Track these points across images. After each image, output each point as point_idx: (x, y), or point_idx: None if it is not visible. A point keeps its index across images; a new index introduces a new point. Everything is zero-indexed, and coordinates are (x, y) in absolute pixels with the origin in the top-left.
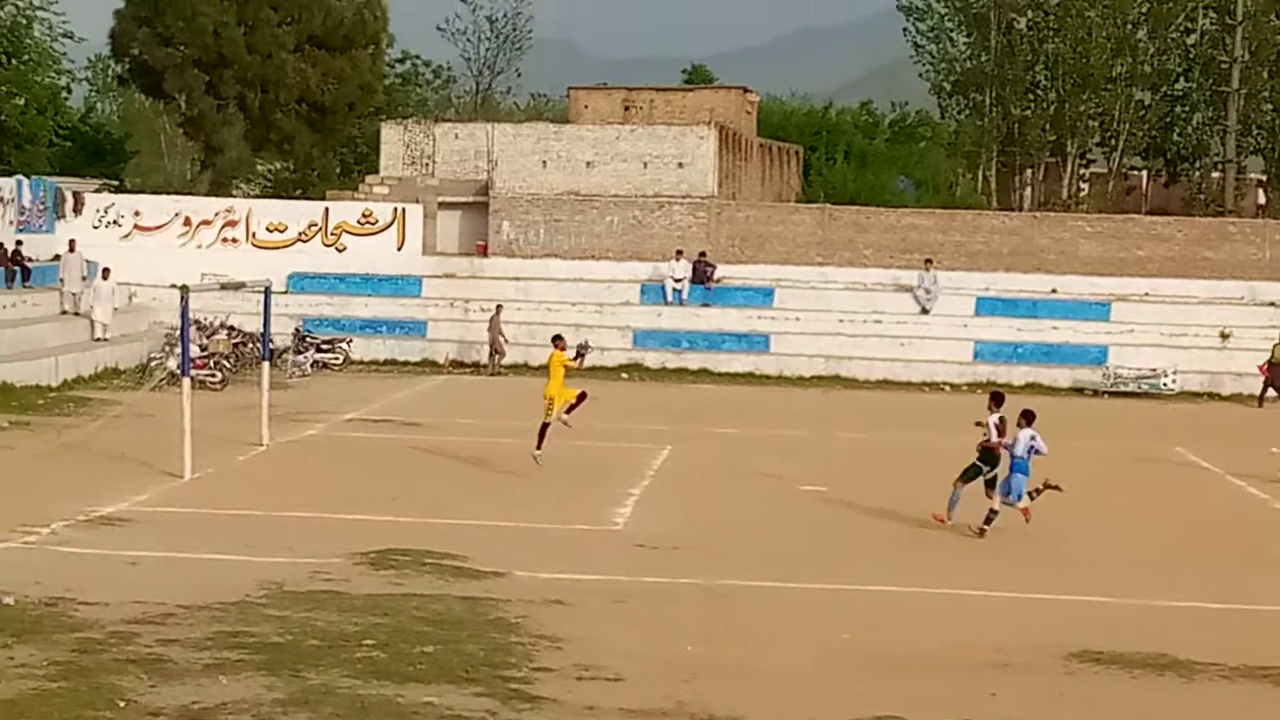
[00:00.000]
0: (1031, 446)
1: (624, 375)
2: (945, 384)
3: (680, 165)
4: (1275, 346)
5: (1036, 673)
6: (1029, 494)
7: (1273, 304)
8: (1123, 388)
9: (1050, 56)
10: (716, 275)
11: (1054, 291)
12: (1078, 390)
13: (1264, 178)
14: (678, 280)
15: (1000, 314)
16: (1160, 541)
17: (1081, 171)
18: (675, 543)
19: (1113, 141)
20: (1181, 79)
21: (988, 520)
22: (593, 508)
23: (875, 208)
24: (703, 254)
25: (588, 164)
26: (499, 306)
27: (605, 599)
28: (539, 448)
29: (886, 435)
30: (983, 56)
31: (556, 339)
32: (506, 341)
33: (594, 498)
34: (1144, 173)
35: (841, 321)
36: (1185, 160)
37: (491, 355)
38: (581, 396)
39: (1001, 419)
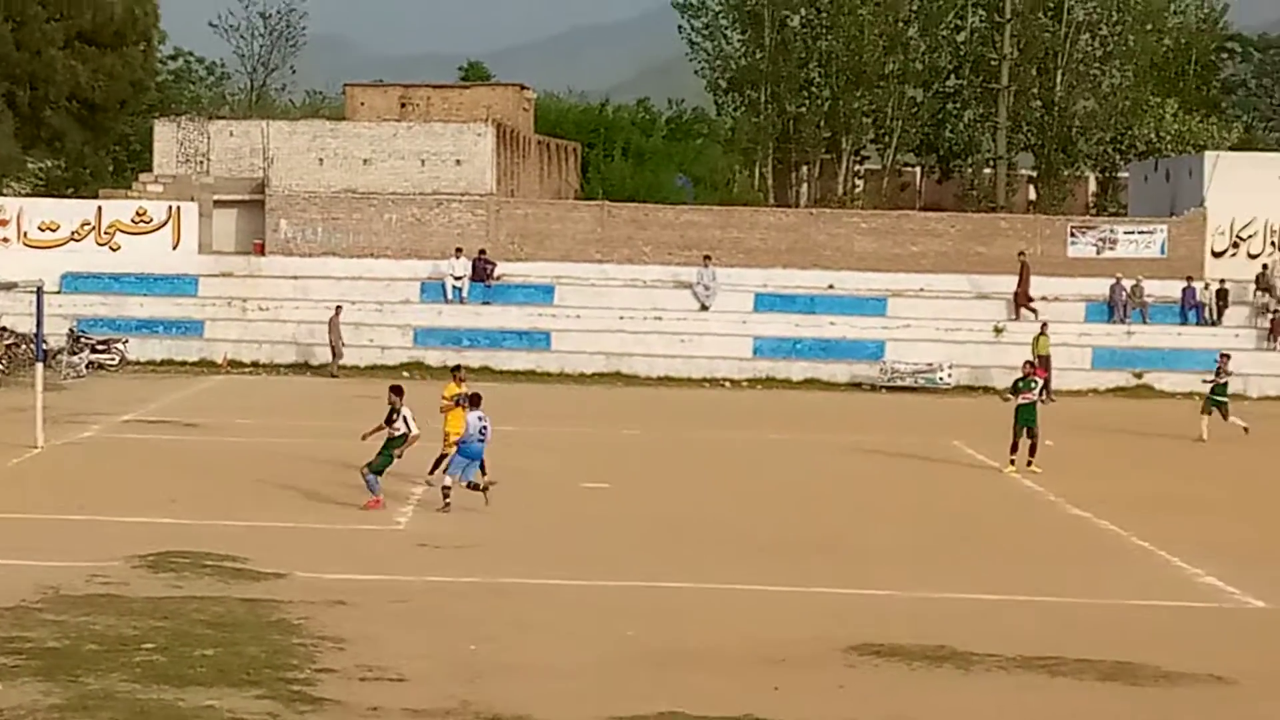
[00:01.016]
0: (483, 428)
1: (405, 374)
2: (725, 380)
3: (458, 162)
4: (1036, 340)
5: (817, 666)
6: (474, 485)
7: (1044, 298)
8: (899, 382)
9: (824, 54)
10: (496, 273)
11: (831, 287)
12: (855, 385)
13: (1034, 174)
14: (458, 278)
15: (779, 310)
16: (937, 535)
17: (856, 168)
18: (458, 541)
19: (886, 138)
20: (952, 76)
21: (445, 495)
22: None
23: (653, 205)
24: (482, 251)
25: (365, 161)
26: (338, 308)
27: (388, 599)
28: (431, 473)
29: (667, 432)
30: (757, 54)
31: (456, 369)
32: (343, 343)
33: None
34: (918, 169)
35: (622, 319)
36: (957, 157)
37: (334, 357)
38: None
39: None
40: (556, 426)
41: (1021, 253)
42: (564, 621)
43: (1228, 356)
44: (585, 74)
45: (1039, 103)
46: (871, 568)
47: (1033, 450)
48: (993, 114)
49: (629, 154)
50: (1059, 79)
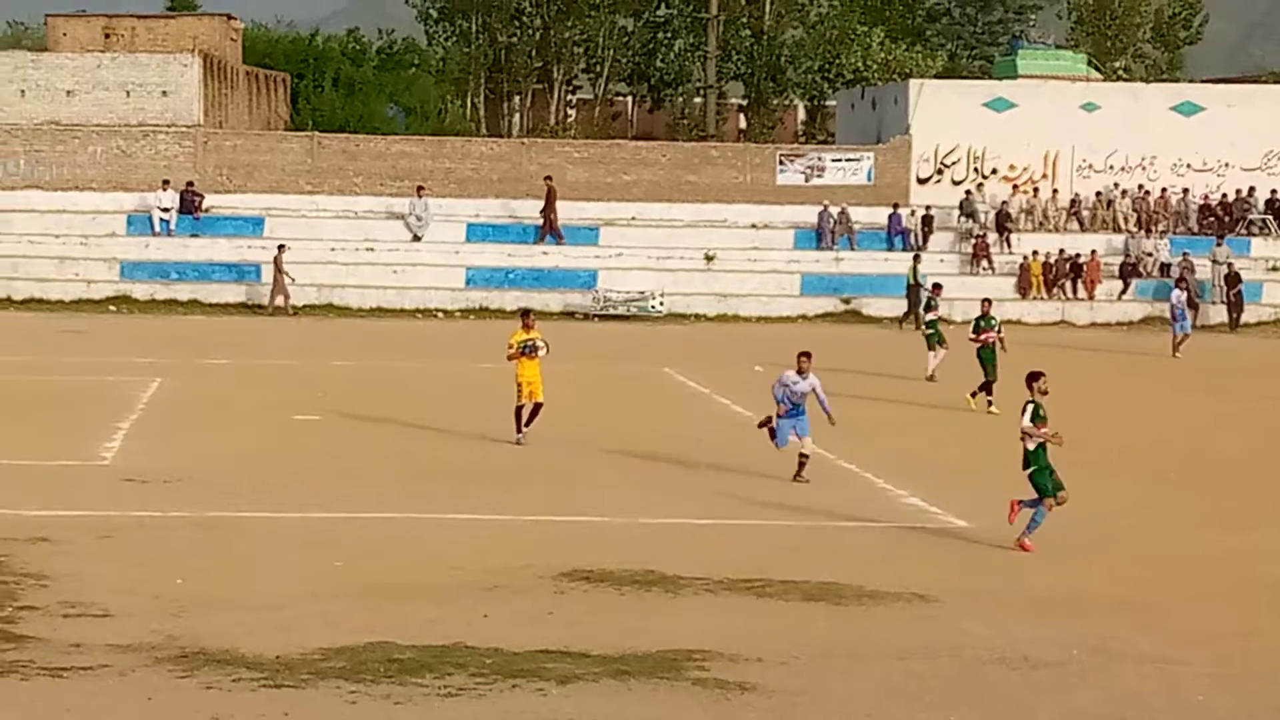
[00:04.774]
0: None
1: (112, 308)
2: (439, 310)
3: (164, 94)
4: (913, 269)
5: (527, 593)
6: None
7: (754, 226)
8: (612, 311)
9: None
10: (205, 205)
11: None
12: (569, 314)
13: (744, 103)
14: (165, 210)
15: (491, 240)
16: (649, 461)
17: (569, 98)
18: (165, 476)
19: (598, 68)
20: (663, 5)
21: None
22: (79, 442)
23: (365, 135)
24: (190, 183)
25: (68, 93)
26: (281, 246)
27: (93, 535)
28: (519, 431)
29: (380, 363)
30: None
31: (526, 314)
32: (291, 281)
33: (80, 432)
34: (629, 99)
35: (333, 250)
36: (668, 86)
37: (274, 295)
38: (537, 407)
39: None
40: (268, 359)
41: (548, 178)
42: (272, 554)
43: (939, 287)
44: (293, 3)
45: (748, 32)
46: (583, 493)
47: (989, 389)
48: (703, 43)
49: (339, 85)
50: (768, 8)
